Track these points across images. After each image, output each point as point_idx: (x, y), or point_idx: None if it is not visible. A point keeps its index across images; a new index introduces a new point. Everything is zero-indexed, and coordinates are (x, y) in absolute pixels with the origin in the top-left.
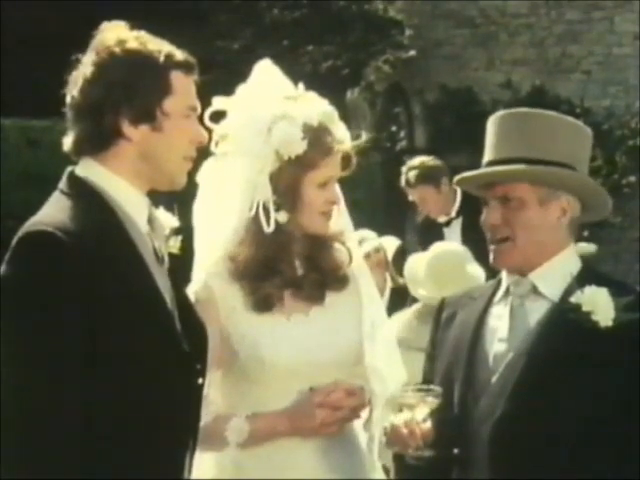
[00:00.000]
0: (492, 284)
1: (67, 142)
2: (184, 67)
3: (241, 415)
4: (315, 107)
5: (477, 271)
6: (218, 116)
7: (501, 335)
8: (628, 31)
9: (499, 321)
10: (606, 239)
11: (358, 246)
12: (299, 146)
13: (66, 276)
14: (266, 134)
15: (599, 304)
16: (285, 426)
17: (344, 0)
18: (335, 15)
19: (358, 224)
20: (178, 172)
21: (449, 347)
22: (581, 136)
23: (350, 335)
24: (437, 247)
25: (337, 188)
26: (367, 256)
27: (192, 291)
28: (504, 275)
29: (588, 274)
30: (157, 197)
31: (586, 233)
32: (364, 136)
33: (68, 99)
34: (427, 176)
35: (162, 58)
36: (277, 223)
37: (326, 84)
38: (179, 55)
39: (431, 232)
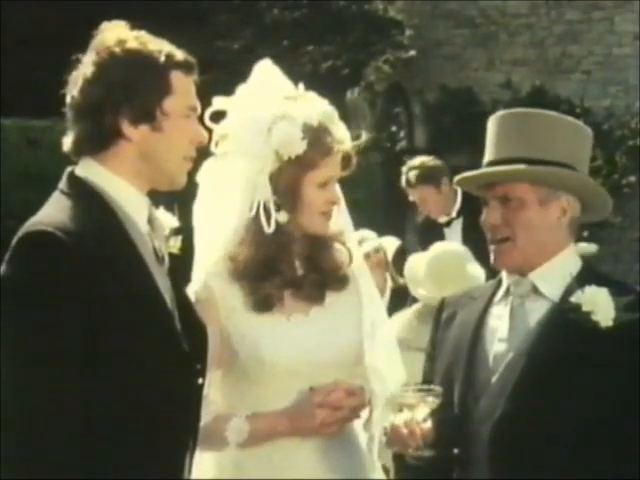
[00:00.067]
0: (492, 284)
1: (67, 142)
2: (184, 67)
3: (241, 415)
4: (315, 107)
5: (477, 271)
6: (218, 116)
7: (501, 335)
8: (628, 31)
9: (499, 321)
10: (606, 239)
11: (358, 246)
12: (299, 146)
13: (66, 276)
14: (266, 134)
15: (599, 304)
16: (285, 426)
17: (344, 0)
18: (335, 15)
19: (358, 224)
20: (178, 172)
21: (449, 347)
22: (581, 136)
23: (350, 335)
24: (437, 247)
25: (337, 188)
26: (367, 256)
27: (192, 291)
28: (504, 275)
29: (588, 274)
30: (157, 197)
31: (586, 233)
32: (364, 136)
33: (68, 99)
34: (427, 176)
35: (162, 58)
36: (277, 223)
37: (326, 84)
38: (179, 55)
39: (431, 232)
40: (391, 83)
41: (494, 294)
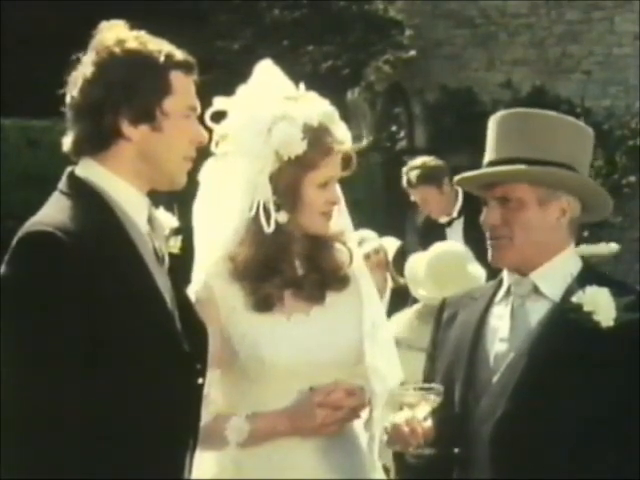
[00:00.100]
0: (493, 284)
1: (67, 142)
2: (184, 67)
3: (241, 415)
4: (315, 107)
5: (478, 271)
6: (219, 116)
7: (502, 335)
8: (628, 31)
9: (500, 321)
10: (606, 239)
11: (358, 247)
12: (299, 146)
13: (66, 276)
14: (266, 134)
15: (600, 304)
16: (285, 426)
17: (344, 0)
18: (335, 15)
19: (358, 224)
20: (178, 172)
21: (450, 347)
22: (582, 137)
23: (350, 335)
24: (437, 247)
25: (337, 188)
26: (367, 257)
27: (192, 291)
28: (505, 275)
29: (589, 274)
30: (157, 197)
31: (586, 233)
32: (365, 139)
33: (68, 99)
34: (429, 176)
35: (162, 58)
36: (277, 223)
37: (326, 84)
38: (179, 55)
39: (433, 232)
40: (391, 83)
41: (495, 294)
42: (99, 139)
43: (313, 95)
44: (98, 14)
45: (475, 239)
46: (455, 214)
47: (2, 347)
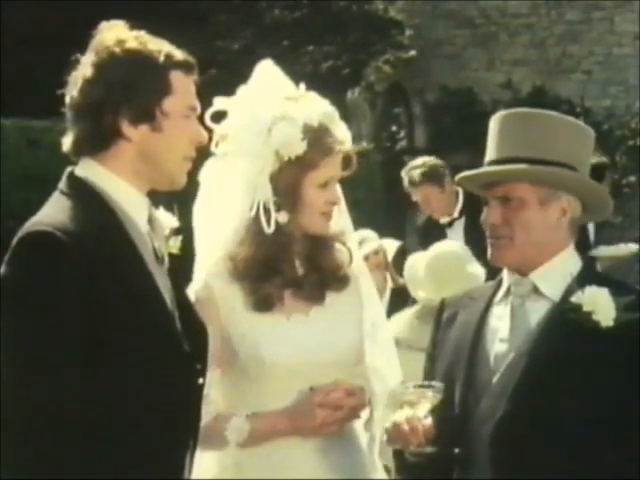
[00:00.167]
0: (493, 284)
1: (66, 142)
2: (184, 67)
3: (241, 414)
4: (316, 108)
5: (477, 270)
6: (219, 116)
7: (502, 335)
8: (628, 31)
9: (500, 321)
10: (606, 239)
11: (358, 247)
12: (299, 147)
13: (66, 276)
14: (266, 135)
15: (600, 304)
16: (285, 425)
17: (344, 0)
18: (335, 15)
19: (358, 224)
20: (178, 172)
21: (450, 347)
22: (583, 137)
23: (350, 335)
24: (437, 247)
25: (338, 188)
26: (366, 258)
27: (193, 291)
28: (505, 275)
29: (588, 274)
30: (157, 197)
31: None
32: (365, 140)
33: (68, 99)
34: (431, 175)
35: (162, 58)
36: (277, 223)
37: (326, 84)
38: (179, 55)
39: (433, 233)
40: (391, 83)
41: (495, 294)
42: (99, 139)
43: (313, 95)
44: (98, 14)
45: (476, 239)
46: (456, 214)
47: (2, 347)
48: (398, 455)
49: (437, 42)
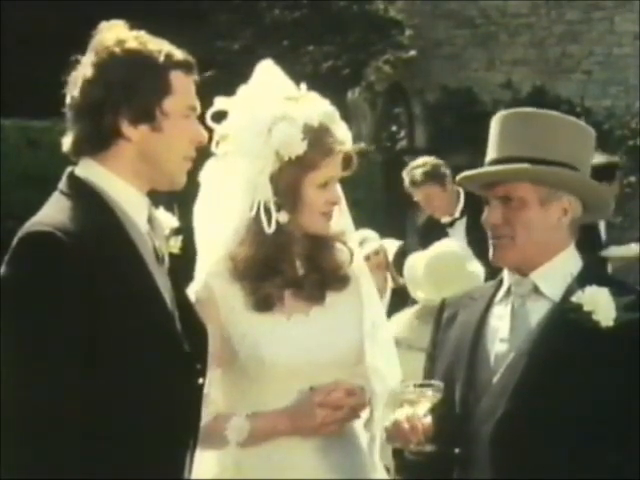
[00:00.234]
0: (493, 284)
1: (66, 142)
2: (184, 67)
3: (241, 414)
4: (316, 108)
5: (477, 268)
6: (219, 116)
7: (502, 335)
8: (628, 31)
9: (500, 321)
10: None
11: (359, 247)
12: (299, 147)
13: (66, 276)
14: (266, 135)
15: (600, 304)
16: (285, 425)
17: (344, 0)
18: (335, 15)
19: (358, 224)
20: (178, 172)
21: (450, 347)
22: (584, 137)
23: (350, 335)
24: (436, 247)
25: (338, 188)
26: (367, 258)
27: (193, 291)
28: (505, 275)
29: (589, 274)
30: (157, 197)
31: None
32: (365, 140)
33: (68, 99)
34: (433, 174)
35: (162, 58)
36: (278, 223)
37: (326, 84)
38: (179, 55)
39: (434, 233)
40: (391, 83)
41: (495, 294)
42: (99, 139)
43: (314, 95)
44: (98, 14)
45: (478, 239)
46: (457, 214)
47: (2, 347)
48: (398, 454)
49: (437, 42)
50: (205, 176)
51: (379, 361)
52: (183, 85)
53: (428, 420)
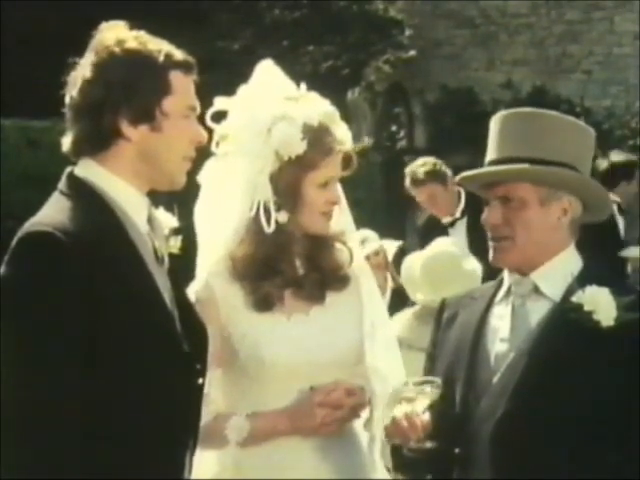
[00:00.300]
0: (493, 284)
1: (66, 142)
2: (183, 67)
3: (241, 414)
4: (316, 107)
5: (474, 266)
6: (219, 116)
7: (502, 335)
8: (628, 31)
9: (500, 321)
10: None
11: (359, 246)
12: (299, 146)
13: (66, 276)
14: (266, 135)
15: (600, 304)
16: (285, 425)
17: (344, 0)
18: (335, 15)
19: (358, 224)
20: (177, 172)
21: (450, 347)
22: (584, 137)
23: (350, 335)
24: (432, 248)
25: (338, 188)
26: (367, 259)
27: (193, 290)
28: (505, 275)
29: (589, 274)
30: (157, 197)
31: None
32: (365, 140)
33: (67, 99)
34: (436, 173)
35: (161, 58)
36: (277, 223)
37: (326, 84)
38: (178, 55)
39: (434, 233)
40: (391, 83)
41: (495, 294)
42: (99, 139)
43: (314, 95)
44: (98, 14)
45: (478, 239)
46: (458, 214)
47: (2, 347)
48: (396, 452)
49: (437, 42)
50: (205, 176)
51: (379, 361)
52: (183, 85)
53: (427, 417)
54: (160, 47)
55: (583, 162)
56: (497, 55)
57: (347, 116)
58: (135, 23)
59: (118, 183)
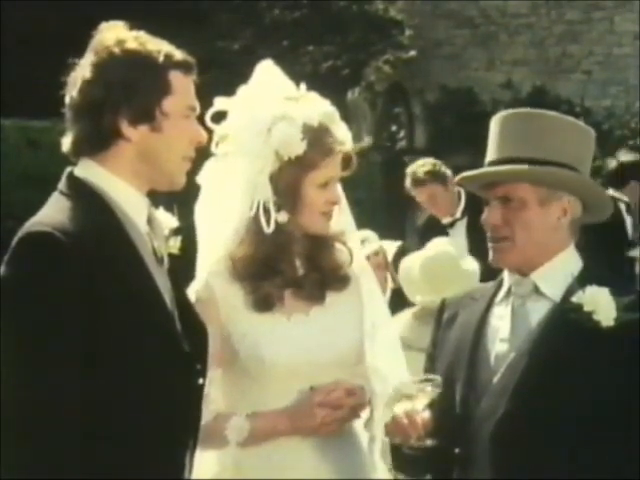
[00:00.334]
0: (493, 285)
1: (66, 142)
2: (183, 67)
3: (241, 414)
4: (316, 108)
5: (471, 265)
6: (219, 116)
7: (503, 335)
8: (628, 31)
9: (501, 321)
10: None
11: (360, 246)
12: (298, 147)
13: (66, 277)
14: (266, 135)
15: (600, 304)
16: (285, 425)
17: (344, 0)
18: (335, 15)
19: (358, 224)
20: (177, 172)
21: (450, 347)
22: (584, 137)
23: (350, 335)
24: (429, 249)
25: (338, 188)
26: (367, 259)
27: (193, 290)
28: (505, 275)
29: (589, 274)
30: (157, 197)
31: None
32: (366, 141)
33: (67, 99)
34: (436, 174)
35: (161, 58)
36: (277, 223)
37: (326, 84)
38: (178, 55)
39: (434, 233)
40: (391, 83)
41: (495, 294)
42: (98, 139)
43: (314, 95)
44: (98, 14)
45: (478, 240)
46: (458, 215)
47: (2, 347)
48: (395, 451)
49: (437, 42)
50: (205, 176)
51: (379, 361)
52: (182, 85)
53: (426, 415)
54: (160, 47)
55: (583, 162)
56: (497, 55)
57: (347, 116)
58: (135, 23)
59: (118, 183)
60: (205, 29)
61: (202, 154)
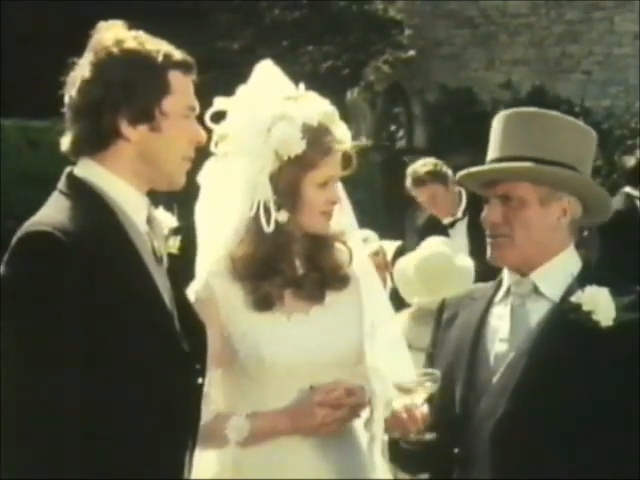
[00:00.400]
0: (493, 284)
1: (65, 142)
2: (182, 67)
3: (241, 414)
4: (315, 107)
5: (466, 262)
6: (218, 116)
7: (502, 335)
8: (628, 31)
9: (500, 321)
10: None
11: (361, 246)
12: (298, 146)
13: (65, 276)
14: (265, 134)
15: (600, 304)
16: (285, 425)
17: (344, 0)
18: (335, 15)
19: (358, 224)
20: (177, 172)
21: (450, 347)
22: (585, 137)
23: (350, 335)
24: (423, 250)
25: (338, 188)
26: None
27: (193, 290)
28: (505, 275)
29: (588, 274)
30: (157, 197)
31: (586, 233)
32: (365, 140)
33: (66, 99)
34: (437, 174)
35: (160, 58)
36: (277, 223)
37: (326, 84)
38: (177, 55)
39: (434, 233)
40: (391, 83)
41: (495, 294)
42: (98, 139)
43: (313, 95)
44: (98, 14)
45: (479, 240)
46: (459, 214)
47: (2, 347)
48: (393, 446)
49: (437, 42)
50: (205, 176)
51: (379, 361)
52: (182, 85)
53: (426, 409)
54: (159, 47)
55: (584, 163)
56: (497, 55)
57: (347, 116)
58: (134, 23)
59: (117, 183)
60: (205, 29)
61: (202, 154)
